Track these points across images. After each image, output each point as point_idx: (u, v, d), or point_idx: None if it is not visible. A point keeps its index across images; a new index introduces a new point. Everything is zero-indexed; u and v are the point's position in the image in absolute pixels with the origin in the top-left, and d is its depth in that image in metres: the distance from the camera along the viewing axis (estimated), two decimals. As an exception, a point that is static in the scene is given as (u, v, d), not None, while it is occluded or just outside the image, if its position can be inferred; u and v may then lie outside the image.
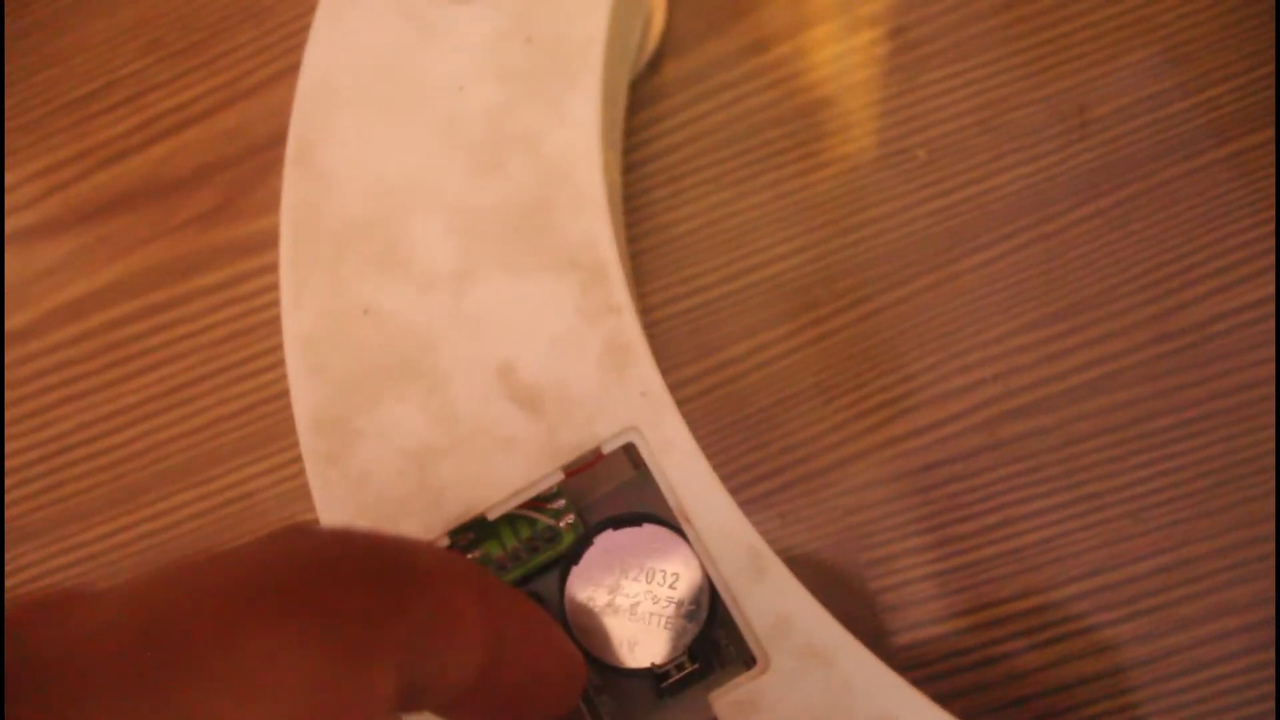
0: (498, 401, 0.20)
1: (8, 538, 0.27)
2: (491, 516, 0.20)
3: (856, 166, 0.26)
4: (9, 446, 0.27)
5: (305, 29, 0.29)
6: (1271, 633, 0.22)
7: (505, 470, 0.20)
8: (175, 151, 0.29)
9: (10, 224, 0.29)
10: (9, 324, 0.28)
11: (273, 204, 0.28)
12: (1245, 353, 0.24)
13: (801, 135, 0.27)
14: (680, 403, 0.19)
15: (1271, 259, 0.24)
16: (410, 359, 0.21)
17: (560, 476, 0.20)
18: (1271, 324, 0.24)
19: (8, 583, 0.26)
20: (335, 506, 0.20)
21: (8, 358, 0.28)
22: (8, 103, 0.31)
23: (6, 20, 0.31)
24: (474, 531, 0.20)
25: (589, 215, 0.22)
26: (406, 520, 0.20)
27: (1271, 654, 0.22)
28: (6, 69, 0.31)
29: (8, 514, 0.27)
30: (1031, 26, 0.27)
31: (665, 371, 0.19)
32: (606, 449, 0.20)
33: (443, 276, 0.22)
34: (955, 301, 0.25)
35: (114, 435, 0.27)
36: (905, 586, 0.23)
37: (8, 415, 0.28)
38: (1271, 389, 0.23)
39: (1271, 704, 0.21)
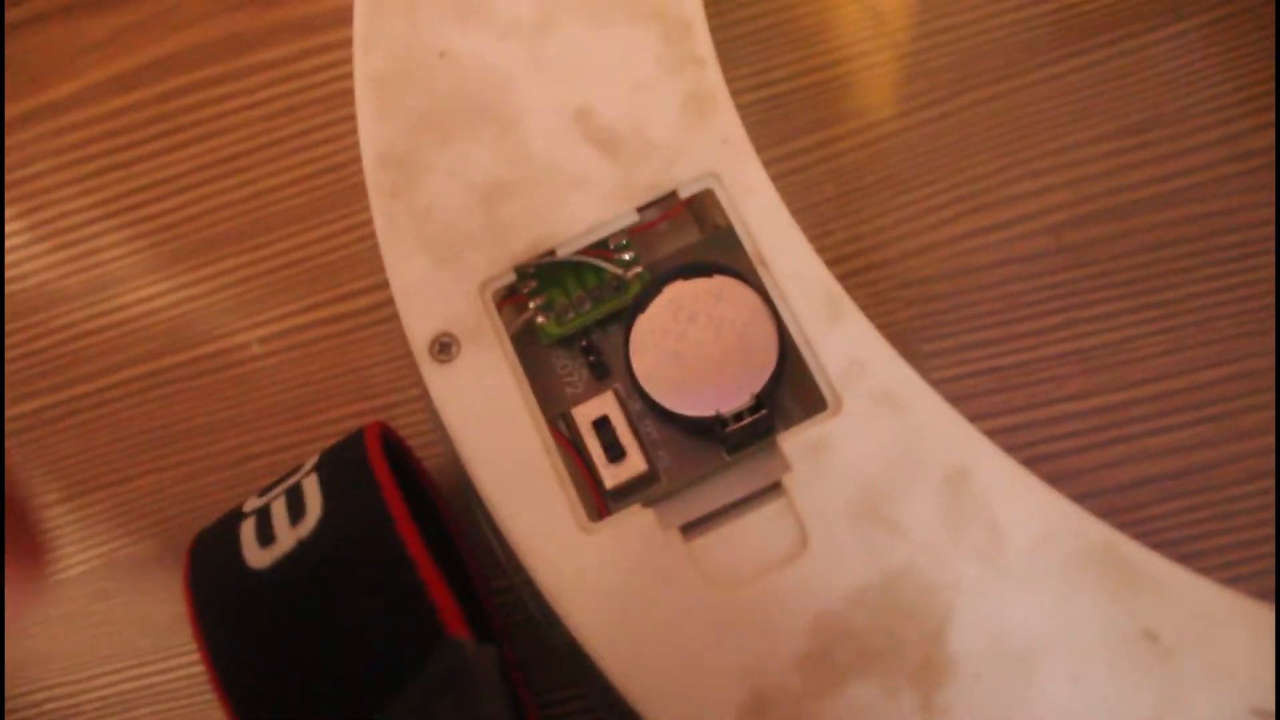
0: (574, 143, 0.20)
1: (39, 302, 0.26)
2: (561, 254, 0.19)
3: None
4: (47, 213, 0.27)
5: None
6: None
7: (578, 209, 0.20)
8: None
9: (59, -3, 0.29)
10: (52, 94, 0.28)
11: (334, -18, 0.28)
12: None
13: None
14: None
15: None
16: (485, 101, 0.21)
17: (635, 217, 0.20)
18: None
19: (37, 345, 0.26)
20: (399, 240, 0.20)
21: (48, 126, 0.28)
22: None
23: None
24: (538, 276, 0.20)
25: (674, -28, 0.21)
26: (471, 253, 0.20)
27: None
28: None
29: (39, 279, 0.26)
30: None
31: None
32: (684, 193, 0.20)
33: (524, 23, 0.21)
34: (1030, 109, 0.24)
35: (158, 203, 0.26)
36: (967, 379, 0.23)
37: (46, 182, 0.27)
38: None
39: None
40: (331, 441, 0.20)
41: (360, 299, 0.25)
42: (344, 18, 0.27)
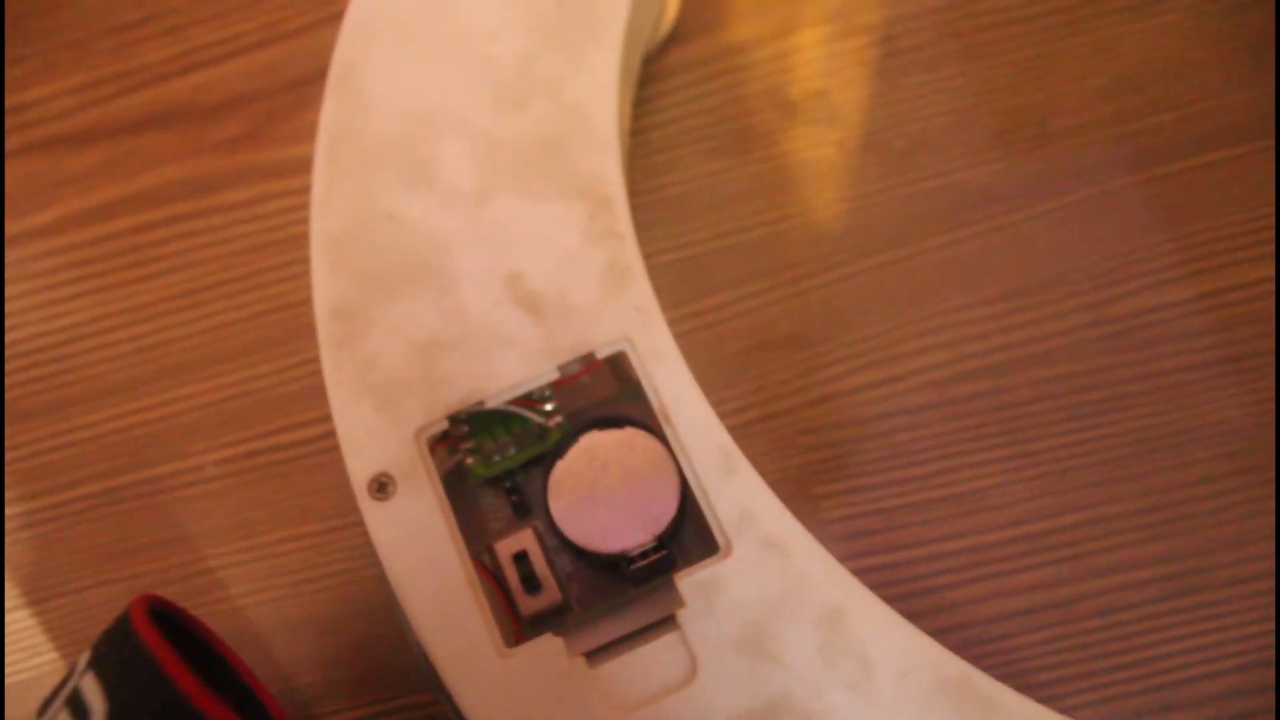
0: (504, 305, 0.23)
1: (6, 416, 0.28)
2: (490, 405, 0.22)
3: (841, 151, 0.29)
4: (19, 334, 0.29)
5: None
6: (1171, 586, 0.24)
7: (506, 365, 0.22)
8: (212, 81, 0.31)
9: (43, 131, 0.31)
10: (32, 221, 0.30)
11: (299, 136, 0.31)
12: (1168, 343, 0.26)
13: (794, 119, 0.29)
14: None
15: (1196, 265, 0.27)
16: (427, 263, 0.23)
17: (555, 375, 0.22)
18: (1190, 320, 0.27)
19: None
20: (345, 386, 0.22)
21: (28, 251, 0.30)
22: (52, 23, 0.32)
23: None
24: (469, 424, 0.22)
25: (601, 154, 0.24)
26: (410, 401, 0.22)
27: (1171, 604, 0.24)
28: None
29: (9, 395, 0.28)
30: (1002, 48, 0.30)
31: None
32: (600, 354, 0.22)
33: (464, 194, 0.24)
34: (920, 274, 0.27)
35: (124, 330, 0.29)
36: (855, 519, 0.25)
37: (20, 304, 0.29)
38: (1185, 376, 0.26)
39: (1167, 649, 0.24)
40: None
41: (308, 429, 0.27)
42: (305, 166, 0.29)
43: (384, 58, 0.25)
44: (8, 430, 0.28)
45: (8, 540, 0.27)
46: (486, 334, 0.22)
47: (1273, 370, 0.26)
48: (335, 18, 0.29)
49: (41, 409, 0.28)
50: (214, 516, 0.27)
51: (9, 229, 0.30)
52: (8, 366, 0.29)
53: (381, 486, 0.21)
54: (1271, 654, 0.24)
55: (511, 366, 0.22)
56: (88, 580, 0.27)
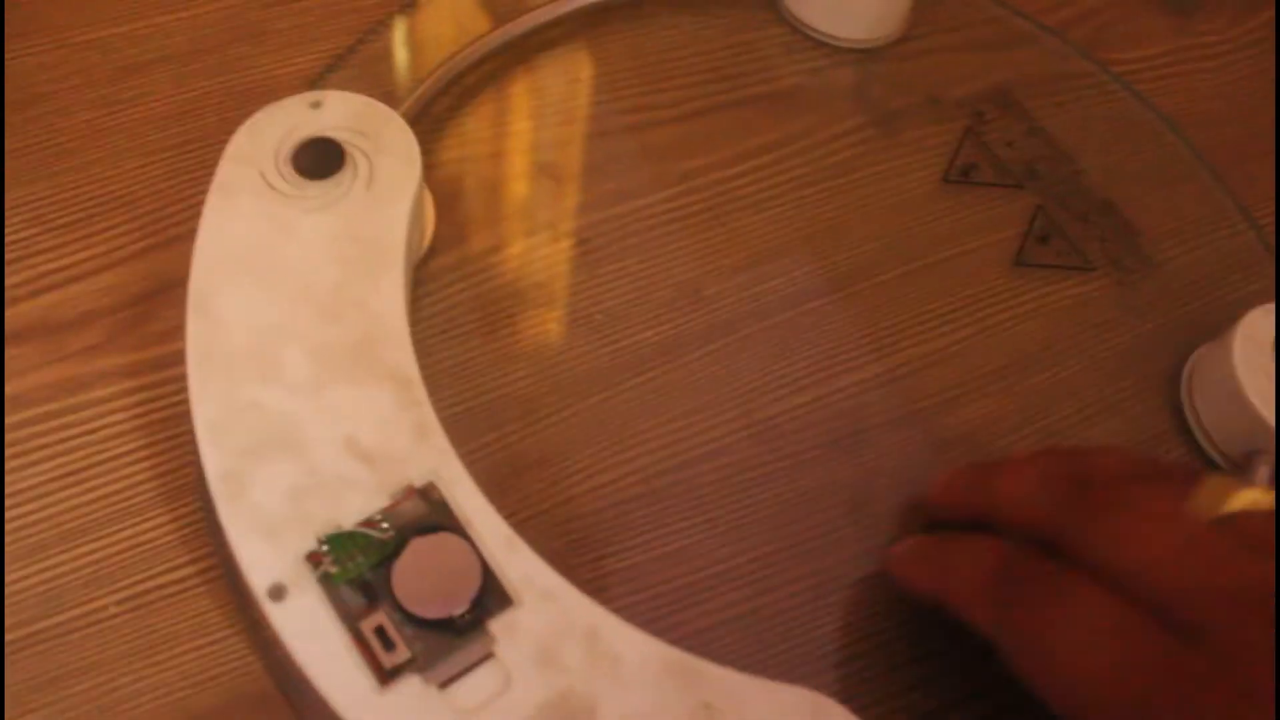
0: (345, 459, 0.33)
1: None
2: (345, 527, 0.32)
3: (560, 324, 0.41)
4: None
5: (167, 216, 0.42)
6: (817, 587, 0.37)
7: (352, 500, 0.32)
8: (63, 300, 0.40)
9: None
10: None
11: (149, 341, 0.39)
12: (795, 434, 0.39)
13: (523, 304, 0.41)
14: (464, 453, 0.33)
15: (807, 379, 0.41)
16: (284, 435, 0.33)
17: (387, 502, 0.32)
18: (808, 416, 0.40)
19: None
20: (238, 525, 0.31)
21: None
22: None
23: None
24: (329, 543, 0.32)
25: (398, 350, 0.35)
26: (289, 533, 0.31)
27: (818, 601, 0.37)
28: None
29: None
30: (663, 240, 0.43)
31: (454, 435, 0.33)
32: (416, 485, 0.32)
33: (304, 384, 0.34)
34: (621, 408, 0.39)
35: (18, 509, 0.36)
36: (602, 574, 0.36)
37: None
38: (809, 455, 0.39)
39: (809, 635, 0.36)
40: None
41: (198, 564, 0.36)
42: (158, 365, 0.38)
43: (229, 288, 0.35)
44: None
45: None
46: (335, 480, 0.32)
47: (862, 446, 0.40)
48: (158, 246, 0.39)
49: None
50: (120, 643, 0.35)
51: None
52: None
53: (278, 592, 0.31)
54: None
55: (355, 501, 0.32)
56: (18, 710, 0.34)
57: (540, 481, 0.38)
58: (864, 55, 0.49)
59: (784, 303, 0.42)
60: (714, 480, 0.39)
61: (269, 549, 0.31)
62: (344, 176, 0.37)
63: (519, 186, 0.44)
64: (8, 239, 0.41)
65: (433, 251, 0.42)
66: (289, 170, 0.37)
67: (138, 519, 0.36)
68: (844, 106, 0.48)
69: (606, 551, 0.37)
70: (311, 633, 0.30)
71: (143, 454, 0.37)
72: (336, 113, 0.39)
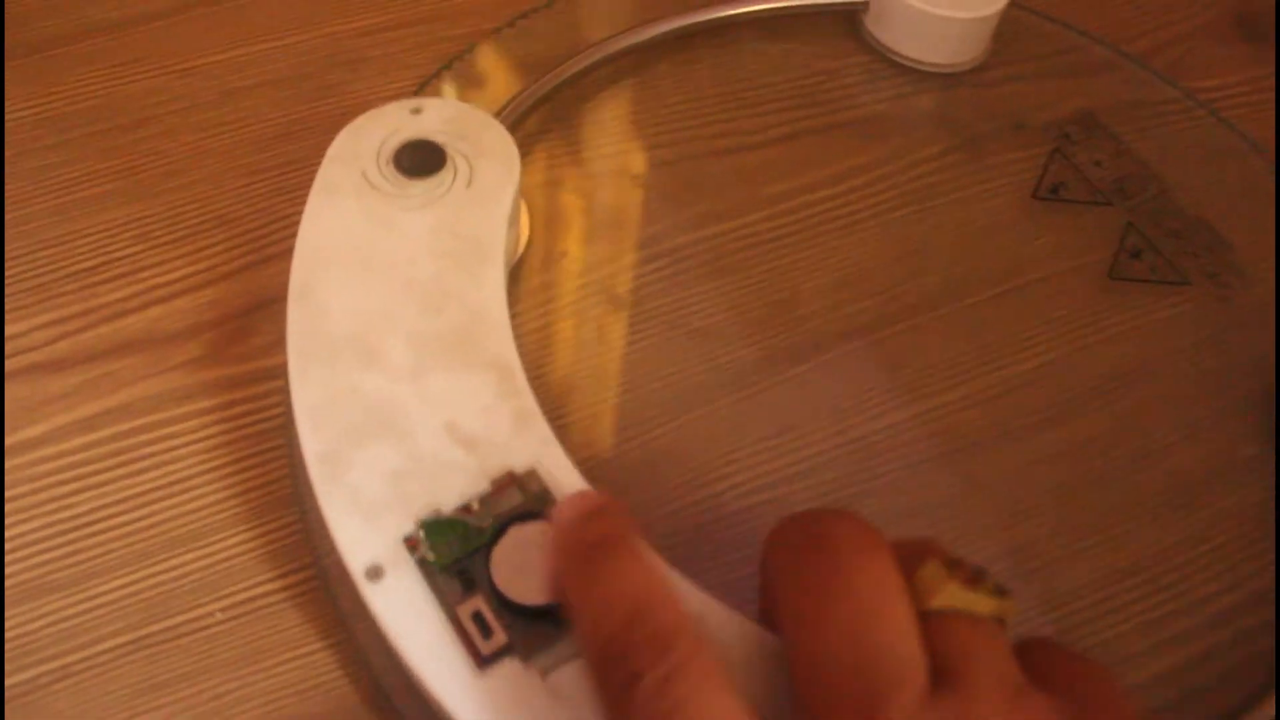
0: (447, 445, 0.32)
1: (32, 592, 0.35)
2: (445, 512, 0.31)
3: (653, 338, 0.40)
4: (30, 525, 0.36)
5: (268, 234, 0.42)
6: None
7: (452, 485, 0.32)
8: (168, 314, 0.40)
9: (20, 361, 0.39)
10: (25, 434, 0.37)
11: (250, 355, 0.40)
12: (888, 453, 0.39)
13: (615, 321, 0.41)
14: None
15: (903, 398, 0.40)
16: (385, 420, 0.33)
17: (488, 488, 0.32)
18: (911, 432, 0.39)
19: (30, 625, 0.34)
20: (336, 507, 0.31)
21: (25, 458, 0.37)
22: (14, 270, 0.41)
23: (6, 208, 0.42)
24: (426, 529, 0.31)
25: (499, 340, 0.34)
26: (388, 516, 0.31)
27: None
28: (8, 246, 0.41)
29: (31, 575, 0.35)
30: (761, 260, 0.43)
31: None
32: (518, 471, 0.32)
33: (405, 371, 0.34)
34: (727, 420, 0.39)
35: (124, 515, 0.36)
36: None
37: (26, 501, 0.36)
38: (899, 473, 0.38)
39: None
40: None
41: (299, 574, 0.35)
42: (259, 378, 0.38)
43: (330, 279, 0.35)
44: (33, 603, 0.34)
45: (45, 692, 0.33)
46: (436, 464, 0.32)
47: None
48: (259, 262, 0.40)
49: (64, 582, 0.35)
50: (227, 649, 0.34)
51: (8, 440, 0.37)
52: (26, 552, 0.35)
53: (375, 573, 0.30)
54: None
55: (455, 486, 0.32)
56: (123, 714, 0.33)
57: (634, 497, 0.37)
58: (947, 81, 0.50)
59: (877, 323, 0.42)
60: (807, 499, 0.38)
61: (367, 529, 0.31)
62: (445, 176, 0.38)
63: (611, 203, 0.45)
64: (117, 254, 0.42)
65: (523, 262, 0.42)
66: (390, 170, 0.38)
67: (240, 528, 0.36)
68: (929, 131, 0.48)
69: (699, 569, 0.36)
70: (408, 614, 0.30)
71: (244, 464, 0.37)
72: (436, 118, 0.39)
